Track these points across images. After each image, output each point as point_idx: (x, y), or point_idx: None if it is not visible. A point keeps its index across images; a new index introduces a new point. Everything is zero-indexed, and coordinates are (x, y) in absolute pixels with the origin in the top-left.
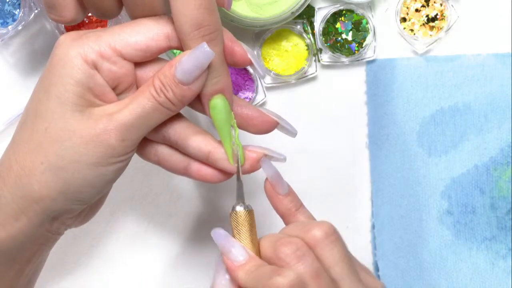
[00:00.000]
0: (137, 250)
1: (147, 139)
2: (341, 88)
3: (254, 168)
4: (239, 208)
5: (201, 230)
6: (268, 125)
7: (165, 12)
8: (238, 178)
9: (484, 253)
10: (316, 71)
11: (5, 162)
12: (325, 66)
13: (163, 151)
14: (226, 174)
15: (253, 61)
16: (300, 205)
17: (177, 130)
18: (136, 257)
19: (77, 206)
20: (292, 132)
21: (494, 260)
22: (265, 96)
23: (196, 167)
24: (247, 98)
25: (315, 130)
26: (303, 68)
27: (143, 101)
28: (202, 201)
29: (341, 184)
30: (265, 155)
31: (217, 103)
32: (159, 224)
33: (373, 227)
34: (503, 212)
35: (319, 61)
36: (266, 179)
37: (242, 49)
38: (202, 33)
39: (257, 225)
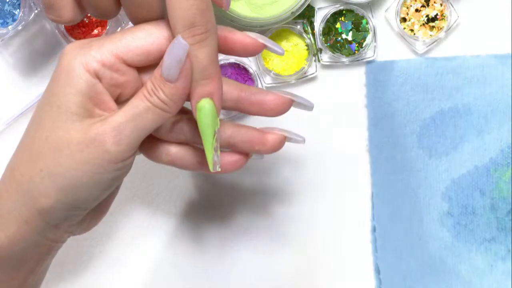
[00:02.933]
0: (137, 250)
1: (158, 140)
2: (341, 88)
3: (275, 149)
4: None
5: (202, 230)
6: (284, 106)
7: (163, 13)
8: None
9: (484, 254)
10: (316, 71)
11: (8, 169)
12: (325, 66)
13: (175, 150)
14: (243, 158)
15: (266, 43)
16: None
17: (192, 126)
18: (136, 257)
19: (76, 213)
20: (308, 106)
21: (493, 262)
22: None
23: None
24: None
25: (315, 130)
26: (303, 68)
27: (136, 102)
28: (202, 201)
29: (341, 186)
30: (285, 137)
31: (204, 106)
32: (159, 224)
33: (373, 229)
34: (503, 213)
35: (319, 61)
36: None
37: (251, 38)
38: (193, 33)
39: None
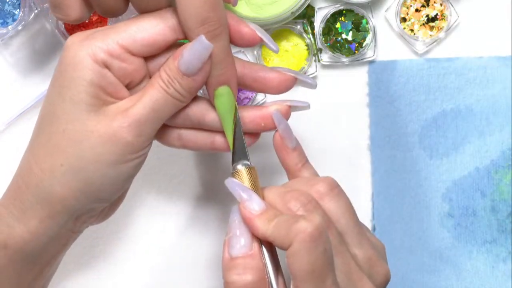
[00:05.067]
0: (137, 250)
1: (168, 126)
2: (341, 88)
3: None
4: (240, 167)
5: (201, 231)
6: (287, 83)
7: (170, 3)
8: (236, 138)
9: (485, 256)
10: (316, 71)
11: (25, 166)
12: (325, 66)
13: (186, 133)
14: (254, 136)
15: (263, 37)
16: (306, 161)
17: (195, 109)
18: (137, 257)
19: (99, 204)
20: (312, 84)
21: (494, 263)
22: (265, 96)
23: (222, 138)
24: (247, 98)
25: (316, 130)
26: (303, 68)
27: (154, 94)
28: (202, 202)
29: (342, 185)
30: (289, 107)
31: (222, 93)
32: (160, 224)
33: (373, 228)
34: (504, 215)
35: (319, 61)
36: (276, 131)
37: (250, 29)
38: (207, 29)
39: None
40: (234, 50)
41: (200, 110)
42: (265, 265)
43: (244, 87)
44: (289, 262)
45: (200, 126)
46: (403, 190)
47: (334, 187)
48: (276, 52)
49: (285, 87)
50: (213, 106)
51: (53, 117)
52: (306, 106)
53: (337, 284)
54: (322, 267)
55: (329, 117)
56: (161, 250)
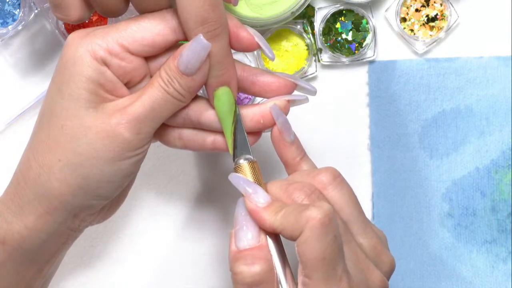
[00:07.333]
0: (136, 250)
1: (169, 126)
2: (341, 88)
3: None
4: (242, 161)
5: (201, 231)
6: (287, 89)
7: (170, 4)
8: (238, 133)
9: (485, 255)
10: (316, 71)
11: (25, 161)
12: (325, 66)
13: (187, 133)
14: (255, 135)
15: (260, 44)
16: (304, 154)
17: (195, 109)
18: (136, 257)
19: (97, 201)
20: (311, 91)
21: (494, 263)
22: None
23: (223, 138)
24: (247, 97)
25: (316, 130)
26: (303, 68)
27: (153, 92)
28: (202, 202)
29: None
30: (288, 101)
31: (221, 94)
32: (159, 224)
33: None
34: (504, 215)
35: (319, 61)
36: (274, 126)
37: (248, 34)
38: (206, 29)
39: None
40: (234, 51)
41: (198, 110)
42: (272, 256)
43: (242, 91)
44: (299, 251)
45: (199, 126)
46: (403, 190)
47: (337, 176)
48: (272, 60)
49: (284, 93)
50: (211, 106)
51: (52, 113)
52: (305, 99)
53: (347, 271)
54: (333, 254)
55: (329, 117)
56: (160, 250)
